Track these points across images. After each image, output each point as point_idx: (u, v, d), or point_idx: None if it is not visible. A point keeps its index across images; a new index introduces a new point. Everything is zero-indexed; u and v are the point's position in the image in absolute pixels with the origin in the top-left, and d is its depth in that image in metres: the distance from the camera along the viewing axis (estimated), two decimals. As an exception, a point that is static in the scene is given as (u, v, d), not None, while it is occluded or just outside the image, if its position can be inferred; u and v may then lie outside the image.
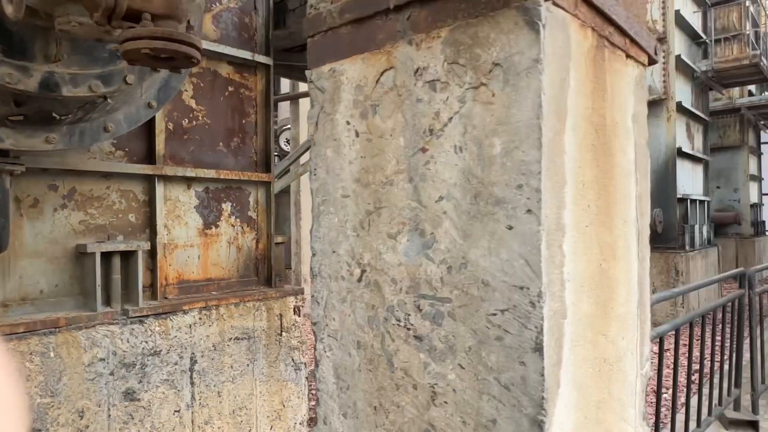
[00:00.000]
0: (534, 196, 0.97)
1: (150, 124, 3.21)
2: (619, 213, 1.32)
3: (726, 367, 4.03)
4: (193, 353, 3.23)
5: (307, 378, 3.91)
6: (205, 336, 3.30)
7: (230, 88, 3.68)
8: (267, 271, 3.82)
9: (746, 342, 4.62)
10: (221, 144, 3.62)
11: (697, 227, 8.96)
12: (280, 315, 3.72)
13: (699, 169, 9.76)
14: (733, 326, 4.16)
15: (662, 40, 8.33)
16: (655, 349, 3.16)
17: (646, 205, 1.54)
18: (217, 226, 3.57)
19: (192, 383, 3.22)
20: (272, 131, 3.88)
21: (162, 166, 3.23)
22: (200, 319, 3.27)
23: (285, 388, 3.74)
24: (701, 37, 9.57)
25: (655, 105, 8.38)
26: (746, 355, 4.53)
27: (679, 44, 8.73)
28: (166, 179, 3.31)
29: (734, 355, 4.25)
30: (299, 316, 3.85)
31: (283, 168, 5.89)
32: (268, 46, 3.87)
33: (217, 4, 3.62)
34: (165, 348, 3.10)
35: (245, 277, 3.74)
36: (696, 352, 4.92)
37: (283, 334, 3.74)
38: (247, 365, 3.52)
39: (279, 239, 3.93)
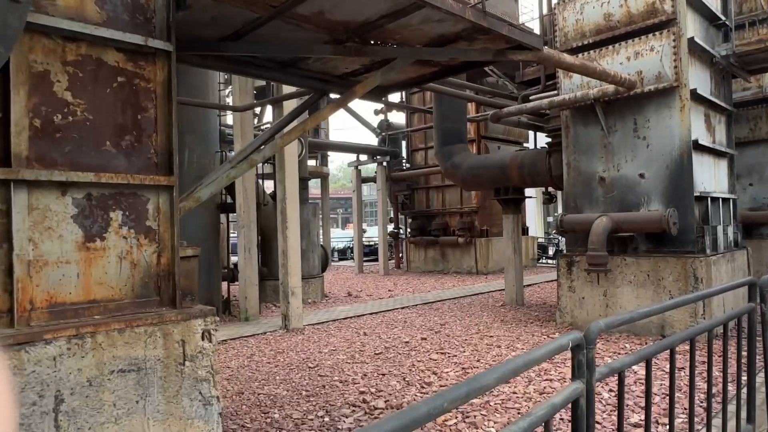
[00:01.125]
0: None
1: (5, 121, 2.74)
2: None
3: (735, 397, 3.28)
4: (58, 390, 2.72)
5: (221, 414, 3.35)
6: (77, 369, 2.78)
7: (120, 79, 3.19)
8: (171, 291, 3.29)
9: (760, 364, 3.83)
10: (108, 143, 3.12)
11: (720, 228, 8.03)
12: (182, 341, 3.18)
13: (723, 165, 8.82)
14: (743, 347, 3.40)
15: (671, 22, 7.52)
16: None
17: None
18: (103, 239, 3.07)
19: (57, 426, 2.69)
20: (176, 128, 3.37)
21: (19, 170, 2.75)
22: (69, 349, 2.76)
23: (190, 426, 3.18)
24: (720, 19, 8.69)
25: (665, 93, 7.56)
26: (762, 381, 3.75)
27: (693, 26, 7.89)
28: (31, 185, 2.82)
29: (745, 382, 3.48)
30: (210, 341, 3.30)
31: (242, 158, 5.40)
32: (169, 30, 3.37)
33: (101, -18, 3.14)
34: (18, 386, 2.60)
35: (143, 297, 3.22)
36: (701, 382, 4.13)
37: (187, 363, 3.19)
38: (137, 402, 2.98)
39: (189, 252, 3.40)
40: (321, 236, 21.87)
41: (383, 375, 6.28)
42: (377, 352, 7.42)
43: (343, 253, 29.28)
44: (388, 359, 7.02)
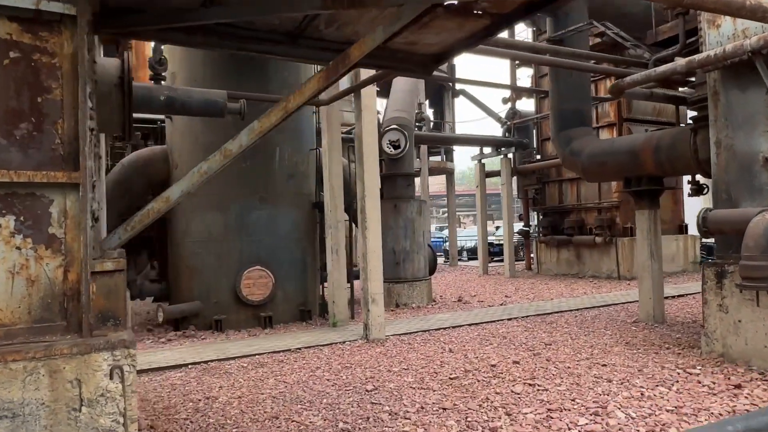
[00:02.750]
0: None
1: None
2: None
3: None
4: None
5: (136, 474, 2.61)
6: (-74, 414, 2.24)
7: (14, 54, 2.61)
8: (79, 314, 2.64)
9: None
10: (-3, 134, 2.57)
11: None
12: (78, 381, 2.50)
13: None
14: None
15: None
16: None
17: None
18: (-12, 250, 2.52)
19: None
20: (88, 111, 2.71)
21: None
22: None
23: (89, 491, 2.49)
24: None
25: None
26: None
27: None
28: None
29: None
30: (121, 381, 2.58)
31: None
32: (79, -10, 2.72)
33: (-9, -62, 2.59)
34: None
35: (44, 321, 2.61)
36: None
37: (84, 410, 2.50)
38: (11, 458, 2.36)
39: (109, 266, 2.73)
40: (437, 236, 20.88)
41: (444, 410, 5.12)
42: (453, 375, 6.24)
43: (474, 253, 27.77)
44: (460, 387, 5.82)
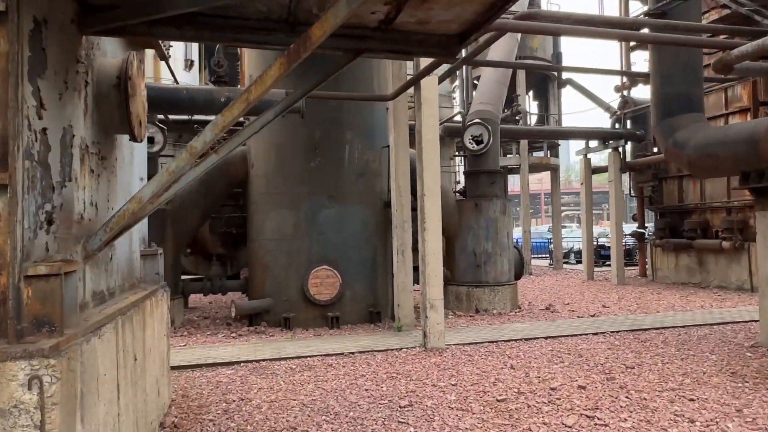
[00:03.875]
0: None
1: None
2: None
3: None
4: None
5: (52, 493, 2.46)
6: None
7: (-51, 54, 2.60)
8: (7, 320, 2.56)
9: None
10: (-68, 135, 2.56)
11: None
12: (-10, 391, 2.40)
13: None
14: None
15: None
16: None
17: None
18: (-76, 252, 2.52)
19: None
20: (24, 109, 2.62)
21: None
22: None
23: (2, 505, 2.39)
24: None
25: None
26: None
27: None
28: None
29: None
30: (39, 392, 2.45)
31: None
32: (13, -15, 2.64)
33: (-68, -59, 2.59)
34: None
35: (-24, 325, 2.57)
36: None
37: (-6, 421, 2.40)
38: (-76, 463, 2.33)
39: (42, 270, 2.63)
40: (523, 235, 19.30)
41: (473, 439, 4.52)
42: (501, 397, 5.55)
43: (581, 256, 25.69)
44: (504, 411, 5.13)
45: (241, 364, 7.23)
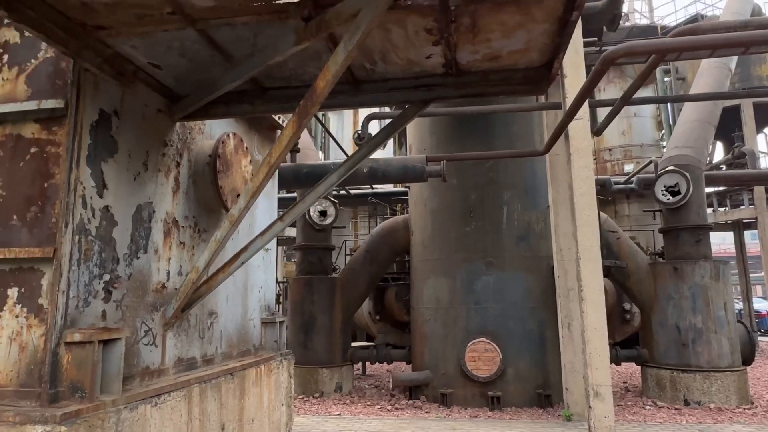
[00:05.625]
0: None
1: (-62, 208, 3.06)
2: None
3: None
4: None
5: None
6: None
7: (33, 150, 3.07)
8: (45, 382, 2.75)
9: None
10: (15, 217, 3.01)
11: None
12: (13, 451, 2.55)
13: None
14: None
15: None
16: None
17: None
18: (-2, 318, 2.91)
19: None
20: (75, 186, 2.92)
21: None
22: None
23: None
24: None
25: None
26: None
27: None
28: (-48, 265, 3.00)
29: None
30: (51, 459, 2.52)
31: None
32: (79, 88, 3.04)
33: (33, 60, 3.19)
34: None
35: (26, 386, 2.82)
36: None
37: (14, 481, 2.53)
38: None
39: (77, 337, 2.80)
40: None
41: None
42: None
43: None
44: None
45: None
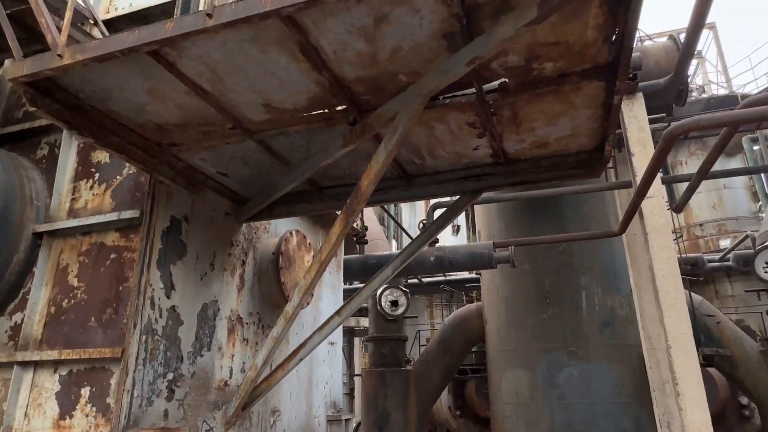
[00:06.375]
0: None
1: (31, 311, 3.38)
2: None
3: None
4: None
5: None
6: None
7: (113, 256, 3.37)
8: (106, 484, 2.81)
9: None
10: (93, 319, 3.25)
11: None
12: None
13: None
14: None
15: None
16: None
17: None
18: (71, 417, 3.06)
19: None
20: (145, 289, 3.14)
21: (34, 352, 3.23)
22: None
23: None
24: None
25: None
26: None
27: None
28: (38, 365, 3.25)
29: None
30: None
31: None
32: (154, 198, 3.37)
33: (118, 177, 3.60)
34: None
35: (90, 487, 2.88)
36: None
37: None
38: None
39: (139, 438, 2.87)
40: None
41: None
42: None
43: None
44: None
45: None
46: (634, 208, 6.58)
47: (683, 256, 12.68)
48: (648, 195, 6.18)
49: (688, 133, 4.73)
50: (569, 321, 8.79)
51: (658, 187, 6.61)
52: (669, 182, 8.54)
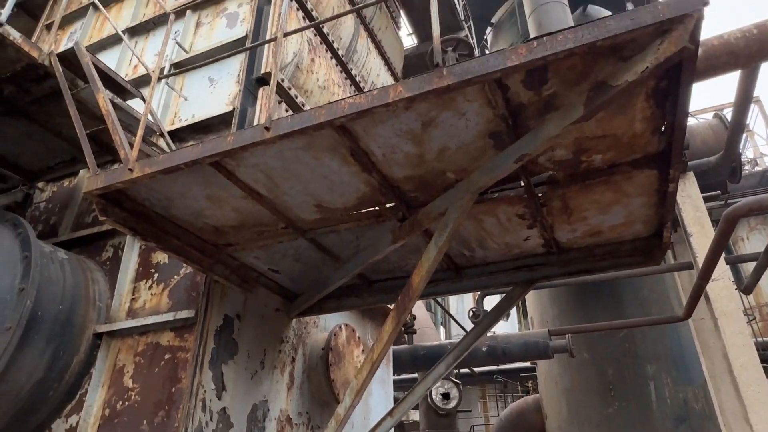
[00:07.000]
0: None
1: (87, 413, 3.40)
2: None
3: None
4: None
5: None
6: None
7: (167, 356, 3.40)
8: None
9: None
10: (145, 422, 3.22)
11: None
12: None
13: None
14: None
15: None
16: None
17: None
18: None
19: None
20: (197, 391, 3.11)
21: None
22: None
23: None
24: None
25: None
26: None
27: None
28: (88, 471, 3.21)
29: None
30: None
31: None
32: (208, 299, 3.44)
33: (175, 276, 3.72)
34: None
35: None
36: None
37: None
38: None
39: None
40: None
41: None
42: None
43: None
44: None
45: None
46: (699, 292, 6.21)
47: (758, 339, 11.67)
48: (713, 278, 5.85)
49: (750, 213, 4.53)
50: (638, 416, 8.08)
51: (723, 269, 6.27)
52: (733, 262, 8.09)
